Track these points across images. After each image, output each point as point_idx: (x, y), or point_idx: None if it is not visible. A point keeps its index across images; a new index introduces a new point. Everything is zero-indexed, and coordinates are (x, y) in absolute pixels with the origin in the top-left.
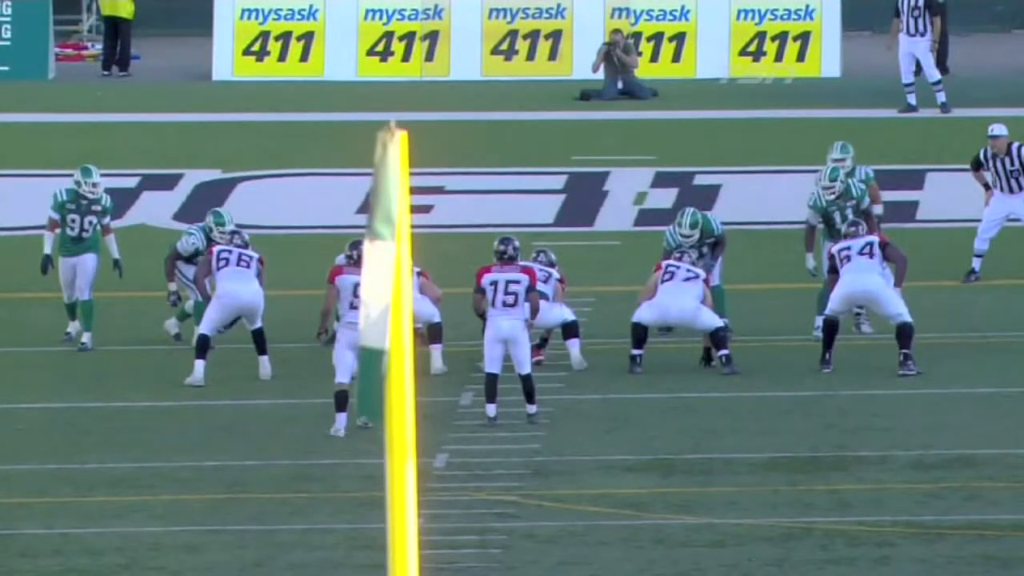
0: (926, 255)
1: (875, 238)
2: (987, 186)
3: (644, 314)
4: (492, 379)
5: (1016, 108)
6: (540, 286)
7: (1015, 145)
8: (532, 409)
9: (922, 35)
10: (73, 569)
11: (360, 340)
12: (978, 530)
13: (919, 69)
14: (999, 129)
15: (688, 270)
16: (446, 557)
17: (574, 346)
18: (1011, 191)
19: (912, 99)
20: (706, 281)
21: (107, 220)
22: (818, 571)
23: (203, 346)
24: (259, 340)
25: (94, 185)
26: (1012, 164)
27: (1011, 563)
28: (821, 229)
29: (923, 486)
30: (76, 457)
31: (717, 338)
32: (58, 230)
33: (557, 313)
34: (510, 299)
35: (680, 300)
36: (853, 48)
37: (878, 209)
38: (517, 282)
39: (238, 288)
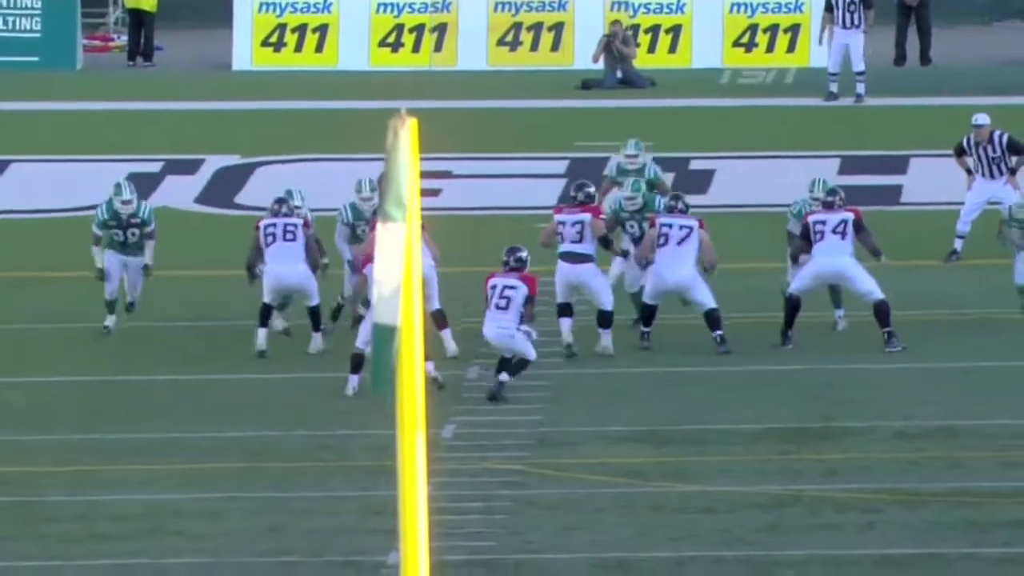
0: (910, 236)
1: (850, 215)
2: (969, 171)
3: (648, 290)
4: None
5: (996, 97)
6: (574, 247)
7: (997, 133)
8: (504, 377)
9: (857, 27)
10: (98, 534)
11: (374, 318)
12: (959, 496)
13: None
14: (983, 119)
15: (681, 227)
16: (454, 523)
17: (606, 335)
18: (992, 176)
19: (834, 87)
20: (701, 225)
21: (148, 229)
22: (807, 536)
23: (265, 315)
24: (313, 317)
25: (124, 202)
26: (994, 151)
27: (990, 527)
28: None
29: (906, 455)
30: (102, 428)
31: (711, 319)
32: (103, 243)
33: (603, 287)
34: (503, 303)
35: (678, 270)
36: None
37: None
38: (513, 287)
39: (284, 271)
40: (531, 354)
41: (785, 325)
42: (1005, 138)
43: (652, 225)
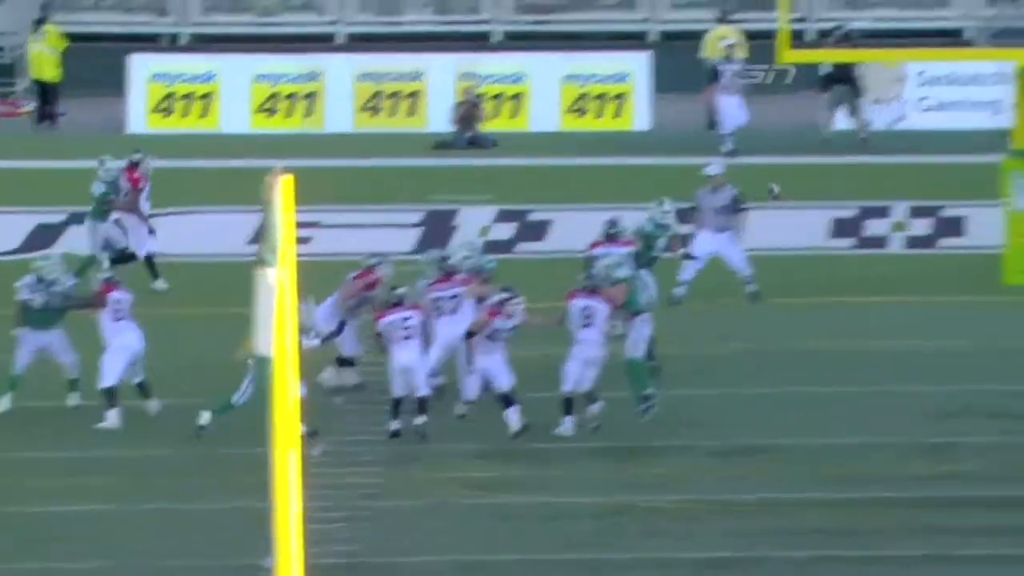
0: (719, 279)
1: (632, 248)
2: (699, 225)
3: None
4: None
5: (797, 156)
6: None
7: (728, 188)
8: (420, 420)
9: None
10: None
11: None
12: (770, 506)
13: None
14: (715, 168)
15: (451, 297)
16: (323, 531)
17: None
18: (717, 230)
19: (731, 144)
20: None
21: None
22: (638, 542)
23: (114, 394)
24: (147, 388)
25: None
26: (721, 202)
27: (797, 533)
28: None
29: (726, 470)
30: (15, 447)
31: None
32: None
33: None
34: (406, 333)
35: (454, 334)
36: (662, 106)
37: None
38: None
39: (134, 340)
40: (421, 388)
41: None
42: (732, 193)
43: (475, 284)
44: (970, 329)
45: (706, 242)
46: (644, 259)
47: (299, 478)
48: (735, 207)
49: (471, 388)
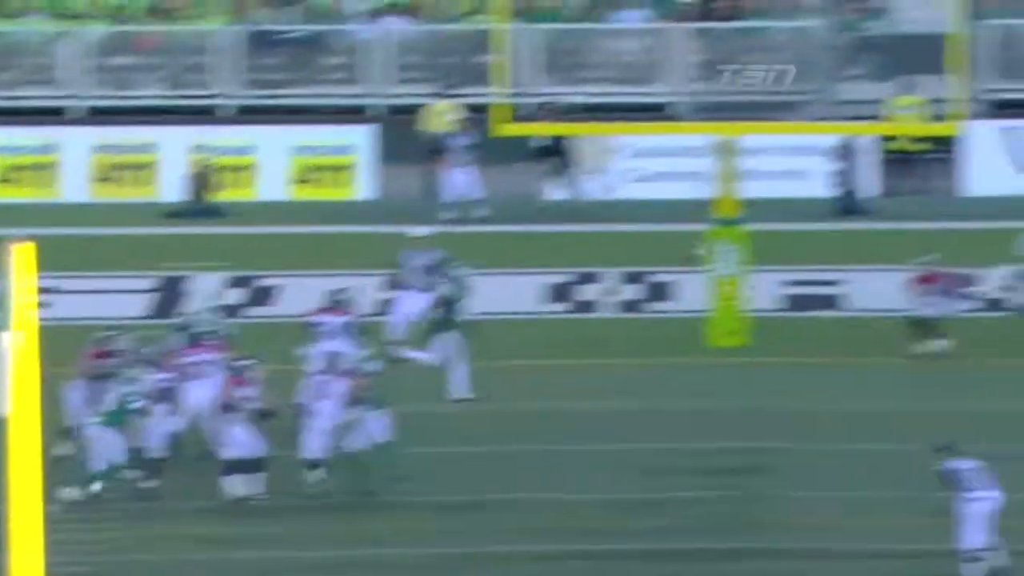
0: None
1: (350, 318)
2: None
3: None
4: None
5: (514, 225)
6: None
7: (432, 250)
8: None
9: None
10: None
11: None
12: (480, 559)
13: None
14: (420, 231)
15: (209, 363)
16: None
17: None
18: (421, 291)
19: (454, 213)
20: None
21: None
22: None
23: None
24: None
25: None
26: (425, 264)
27: None
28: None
29: (443, 524)
30: None
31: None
32: None
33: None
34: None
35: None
36: (387, 177)
37: None
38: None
39: None
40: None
41: None
42: (436, 256)
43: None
44: (676, 389)
45: (409, 302)
46: (446, 323)
47: (40, 534)
48: (440, 266)
49: (228, 451)
